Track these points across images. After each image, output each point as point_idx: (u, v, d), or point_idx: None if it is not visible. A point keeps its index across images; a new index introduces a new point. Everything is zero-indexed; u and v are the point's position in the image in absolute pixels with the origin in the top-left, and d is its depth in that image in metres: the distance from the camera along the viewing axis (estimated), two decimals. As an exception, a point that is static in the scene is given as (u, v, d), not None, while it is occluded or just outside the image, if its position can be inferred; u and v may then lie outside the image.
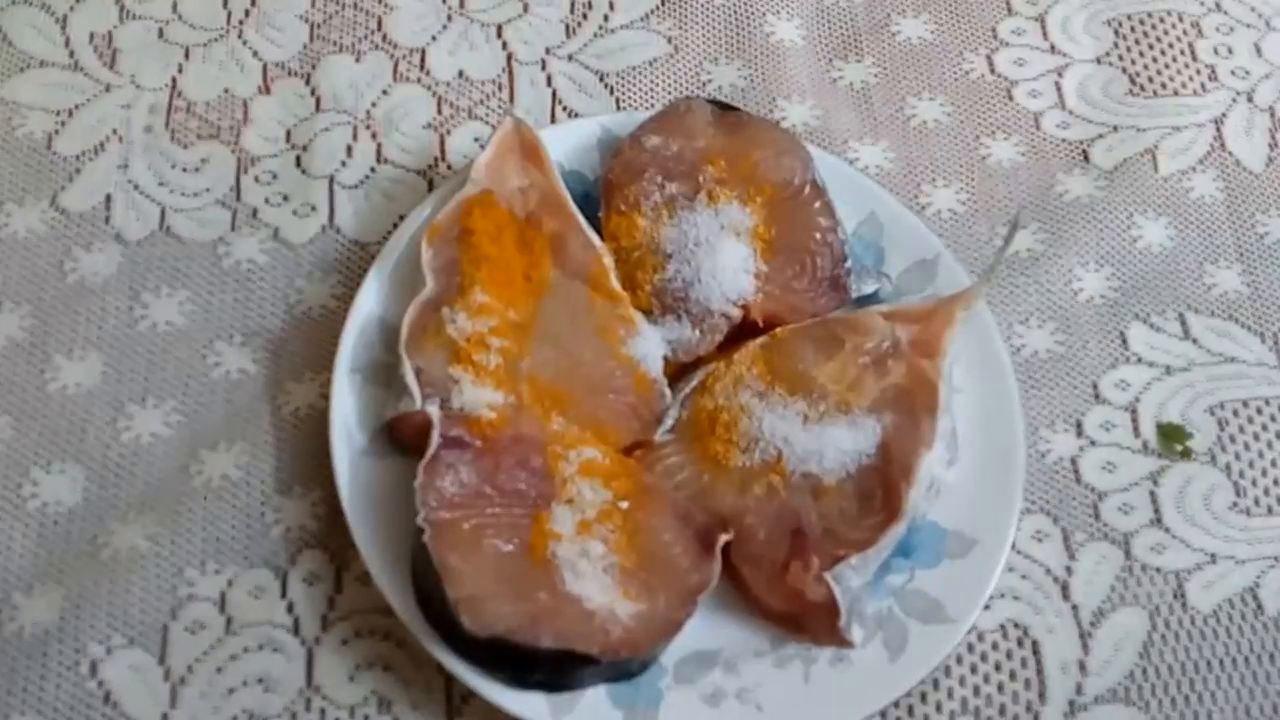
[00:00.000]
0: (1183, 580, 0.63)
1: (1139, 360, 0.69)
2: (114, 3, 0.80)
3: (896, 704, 0.59)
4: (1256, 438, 0.67)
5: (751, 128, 0.71)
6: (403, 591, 0.58)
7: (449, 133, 0.76)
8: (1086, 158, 0.76)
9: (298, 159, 0.75)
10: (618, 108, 0.77)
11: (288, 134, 0.76)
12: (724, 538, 0.60)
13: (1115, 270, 0.72)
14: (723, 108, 0.72)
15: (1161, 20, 0.82)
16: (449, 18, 0.81)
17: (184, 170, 0.74)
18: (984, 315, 0.67)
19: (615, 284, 0.66)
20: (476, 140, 0.76)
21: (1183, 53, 0.81)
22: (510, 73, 0.79)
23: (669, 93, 0.78)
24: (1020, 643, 0.61)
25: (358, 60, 0.79)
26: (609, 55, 0.80)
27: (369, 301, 0.66)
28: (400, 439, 0.62)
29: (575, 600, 0.57)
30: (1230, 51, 0.81)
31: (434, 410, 0.60)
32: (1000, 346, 0.66)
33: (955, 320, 0.64)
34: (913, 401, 0.62)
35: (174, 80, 0.77)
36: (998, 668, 0.61)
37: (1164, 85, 0.79)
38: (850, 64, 0.80)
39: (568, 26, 0.80)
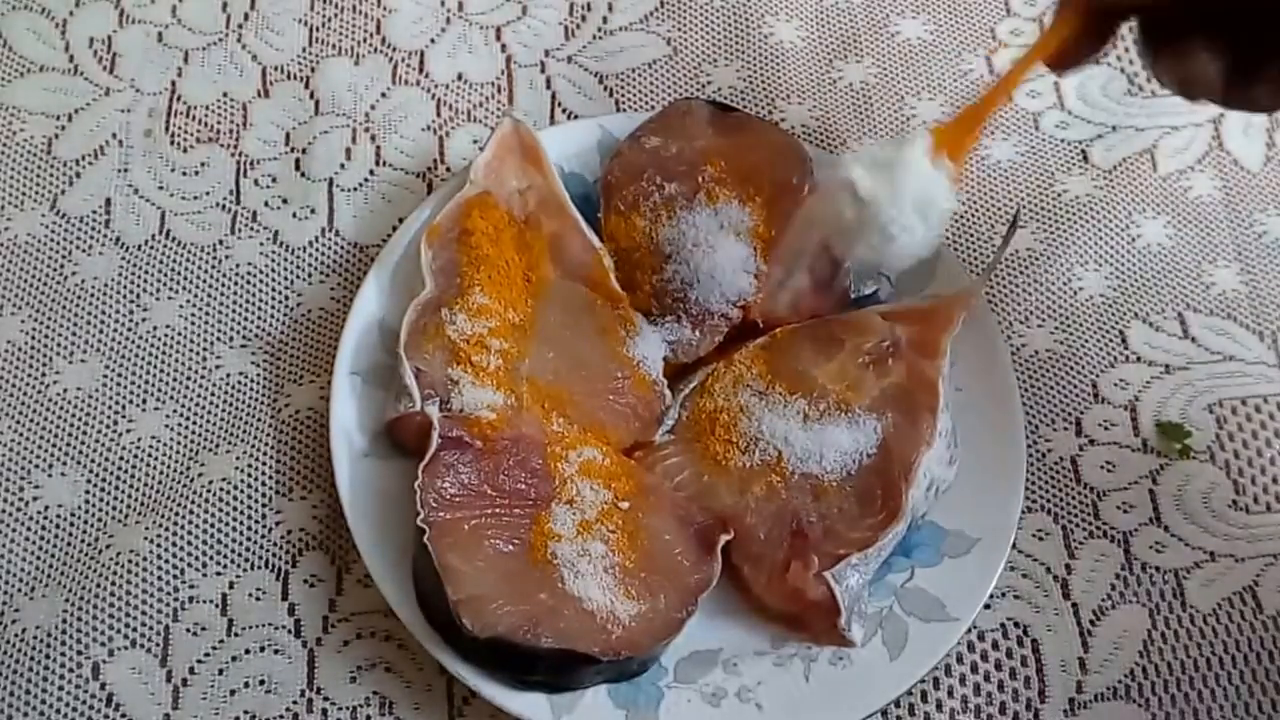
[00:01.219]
0: (1182, 578, 0.63)
1: (1138, 359, 0.69)
2: (113, 7, 0.80)
3: (897, 702, 0.59)
4: (1255, 436, 0.67)
5: (751, 128, 0.71)
6: (403, 592, 0.58)
7: (448, 135, 0.76)
8: (1085, 157, 0.77)
9: (297, 162, 0.75)
10: (617, 109, 0.78)
11: (287, 137, 0.76)
12: (724, 538, 0.60)
13: (1114, 269, 0.72)
14: (722, 108, 0.72)
15: (1159, 20, 0.82)
16: (448, 20, 0.81)
17: (183, 174, 0.74)
18: (984, 314, 0.67)
19: (615, 285, 0.66)
20: (475, 142, 0.76)
21: (1180, 52, 0.81)
22: (509, 75, 0.79)
23: (668, 94, 0.78)
24: (1020, 641, 0.61)
25: (356, 63, 0.79)
26: (608, 57, 0.80)
27: (368, 303, 0.66)
28: (400, 440, 0.62)
29: (576, 600, 0.57)
30: (1228, 51, 0.81)
31: (434, 411, 0.60)
32: (1000, 346, 0.66)
33: (955, 320, 0.64)
34: (913, 401, 0.62)
35: (173, 84, 0.78)
36: (998, 666, 0.61)
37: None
38: (849, 64, 0.80)
39: (566, 29, 0.81)
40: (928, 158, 0.56)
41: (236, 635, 0.61)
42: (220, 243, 0.72)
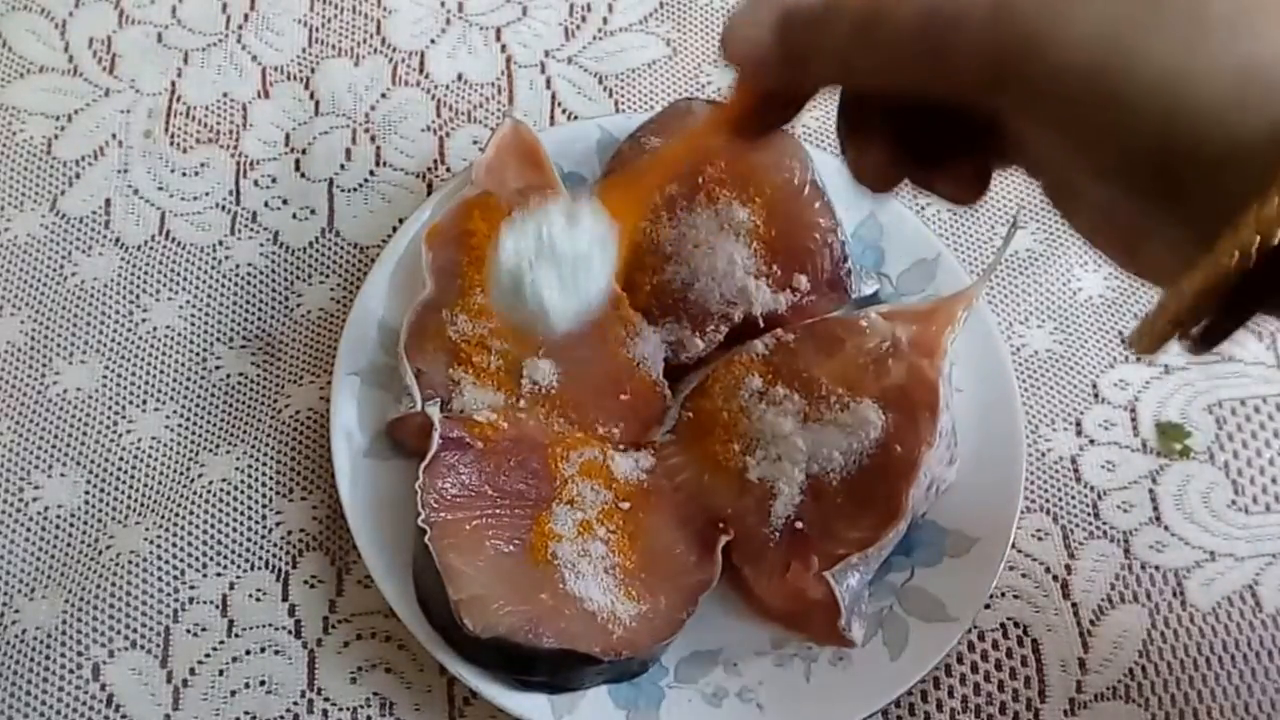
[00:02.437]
0: (1182, 578, 0.63)
1: (1138, 359, 0.70)
2: (113, 8, 0.80)
3: (898, 702, 0.59)
4: (1254, 436, 0.67)
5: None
6: (404, 593, 0.58)
7: (448, 135, 0.76)
8: (1084, 158, 0.77)
9: (297, 163, 0.75)
10: (617, 110, 0.78)
11: (287, 138, 0.76)
12: (724, 538, 0.60)
13: (1114, 270, 0.72)
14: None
15: (1158, 21, 0.82)
16: (448, 21, 0.81)
17: (183, 174, 0.74)
18: (984, 315, 0.67)
19: (615, 285, 0.66)
20: (475, 143, 0.76)
21: (1179, 53, 0.81)
22: (509, 76, 0.79)
23: (668, 95, 0.78)
24: (1021, 641, 0.62)
25: (356, 64, 0.79)
26: (608, 58, 0.80)
27: (369, 304, 0.66)
28: (401, 441, 0.62)
29: (576, 600, 0.57)
30: (1226, 51, 0.81)
31: (434, 412, 0.60)
32: (1000, 346, 0.66)
33: (955, 320, 0.64)
34: (913, 401, 0.62)
35: (173, 85, 0.78)
36: (998, 666, 0.61)
37: (1161, 85, 0.79)
38: (848, 65, 0.80)
39: (566, 29, 0.81)
40: (585, 220, 0.51)
41: (237, 636, 0.61)
42: (220, 243, 0.72)
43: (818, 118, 0.77)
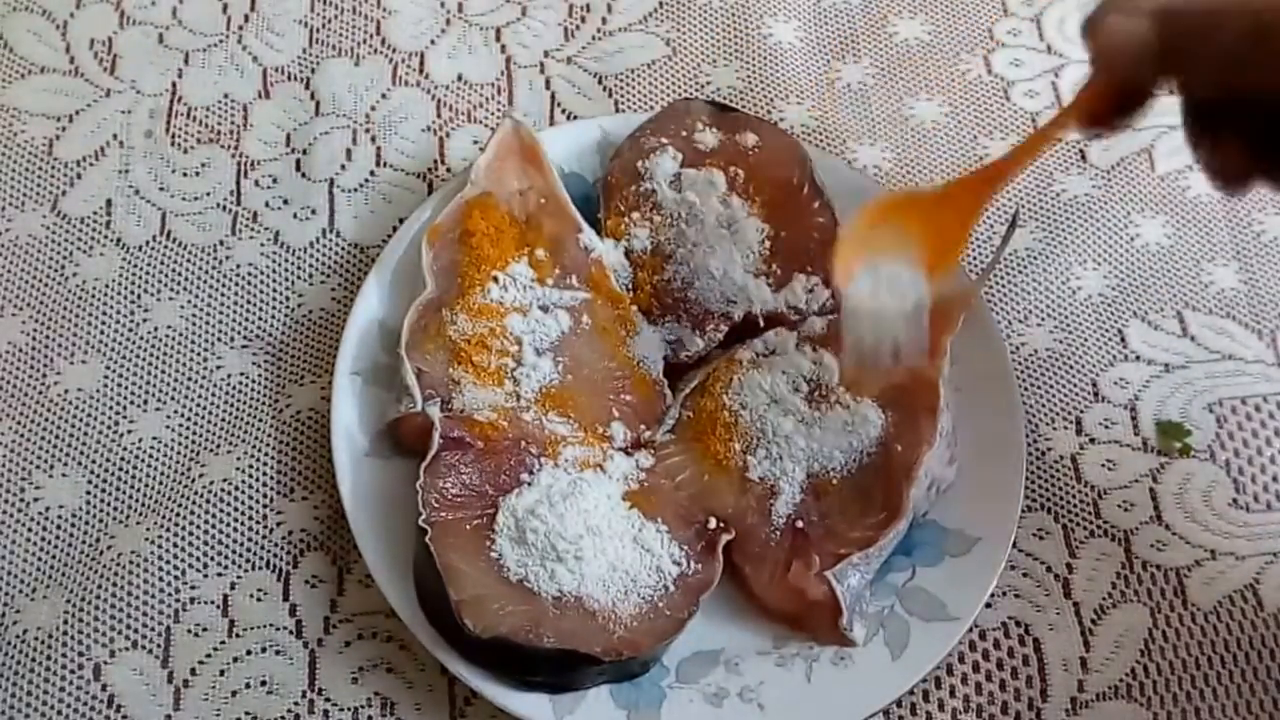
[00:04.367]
0: (1183, 577, 0.63)
1: (1138, 358, 0.70)
2: (114, 9, 0.80)
3: (899, 702, 0.59)
4: (1255, 434, 0.67)
5: (750, 128, 0.71)
6: (405, 593, 0.58)
7: (448, 136, 0.76)
8: (1084, 157, 0.77)
9: (297, 163, 0.75)
10: (616, 110, 0.78)
11: (287, 138, 0.76)
12: (725, 538, 0.60)
13: (1113, 268, 0.72)
14: (721, 108, 0.72)
15: (1158, 20, 0.82)
16: (447, 21, 0.81)
17: (184, 175, 0.74)
18: (983, 314, 0.67)
19: (615, 285, 0.66)
20: (475, 143, 0.76)
21: (1179, 52, 0.81)
22: (509, 76, 0.79)
23: (667, 95, 0.78)
24: (1022, 640, 0.61)
25: (357, 64, 0.79)
26: (607, 58, 0.80)
27: (369, 304, 0.66)
28: (401, 440, 0.62)
29: (577, 600, 0.57)
30: (1226, 50, 0.81)
31: (435, 411, 0.60)
32: (1000, 345, 0.66)
33: (955, 320, 0.64)
34: (913, 400, 0.62)
35: (174, 85, 0.78)
36: (1000, 665, 0.61)
37: (1160, 84, 0.79)
38: (848, 65, 0.80)
39: (566, 30, 0.81)
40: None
41: (238, 636, 0.61)
42: (221, 243, 0.72)
43: (816, 117, 0.77)
